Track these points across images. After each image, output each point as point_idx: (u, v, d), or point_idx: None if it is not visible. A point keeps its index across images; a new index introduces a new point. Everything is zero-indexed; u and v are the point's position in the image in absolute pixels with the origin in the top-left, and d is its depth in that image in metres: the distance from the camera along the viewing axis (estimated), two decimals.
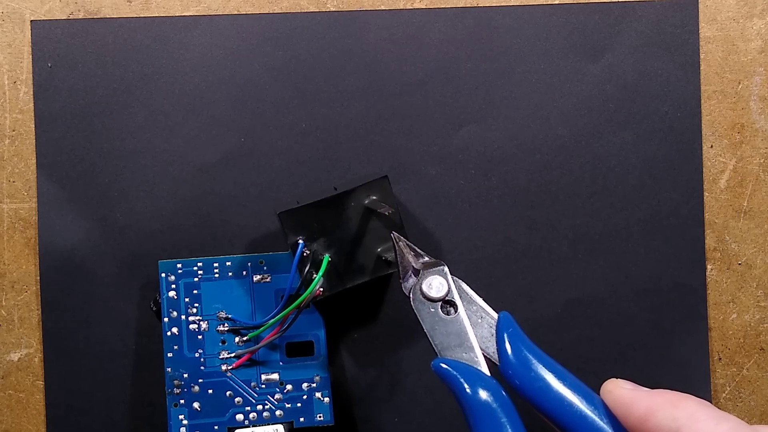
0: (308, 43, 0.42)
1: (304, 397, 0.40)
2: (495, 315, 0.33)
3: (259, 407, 0.39)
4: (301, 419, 0.40)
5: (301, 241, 0.38)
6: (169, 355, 0.39)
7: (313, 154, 0.42)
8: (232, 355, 0.39)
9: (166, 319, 0.39)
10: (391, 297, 0.42)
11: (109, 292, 0.41)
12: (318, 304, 0.39)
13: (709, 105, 0.43)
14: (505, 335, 0.32)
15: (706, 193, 0.43)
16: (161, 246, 0.41)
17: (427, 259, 0.35)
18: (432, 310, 0.34)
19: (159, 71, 0.42)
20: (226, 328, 0.39)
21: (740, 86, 0.43)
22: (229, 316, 0.39)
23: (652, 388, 0.30)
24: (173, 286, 0.39)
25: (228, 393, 0.39)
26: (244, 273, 0.40)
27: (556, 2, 0.42)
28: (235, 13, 0.42)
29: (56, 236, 0.41)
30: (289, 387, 0.40)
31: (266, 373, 0.40)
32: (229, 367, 0.39)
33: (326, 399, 0.40)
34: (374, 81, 0.42)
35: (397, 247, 0.36)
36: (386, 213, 0.37)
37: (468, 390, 0.31)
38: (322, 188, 0.41)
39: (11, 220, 0.41)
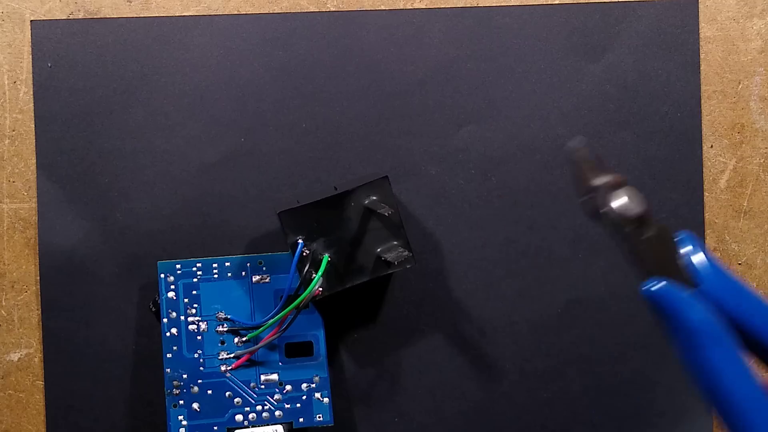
0: (308, 43, 0.42)
1: (304, 397, 0.40)
2: (677, 235, 0.31)
3: (259, 408, 0.39)
4: (301, 419, 0.40)
5: (300, 241, 0.38)
6: (169, 355, 0.39)
7: (313, 154, 0.42)
8: (232, 355, 0.39)
9: (165, 320, 0.39)
10: (391, 297, 0.42)
11: (109, 292, 0.41)
12: (318, 304, 0.39)
13: (709, 105, 0.43)
14: (700, 254, 0.29)
15: (706, 193, 0.43)
16: (161, 246, 0.41)
17: (611, 177, 0.31)
18: (627, 230, 0.30)
19: (159, 71, 0.42)
20: (225, 329, 0.39)
21: (740, 86, 0.42)
22: (228, 316, 0.39)
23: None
24: (172, 286, 0.39)
25: (227, 393, 0.39)
26: (243, 273, 0.40)
27: (556, 2, 0.42)
28: (235, 13, 0.42)
29: (56, 236, 0.41)
30: (288, 387, 0.40)
31: (265, 373, 0.40)
32: (229, 368, 0.39)
33: (326, 399, 0.40)
34: (374, 81, 0.42)
35: (577, 162, 0.32)
36: (386, 213, 0.37)
37: (684, 311, 0.28)
38: (322, 188, 0.41)
39: (11, 220, 0.41)
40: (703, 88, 0.42)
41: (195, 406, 0.39)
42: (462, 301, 0.42)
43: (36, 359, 0.42)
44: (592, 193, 0.31)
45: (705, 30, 0.42)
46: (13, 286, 0.42)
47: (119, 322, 0.41)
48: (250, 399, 0.39)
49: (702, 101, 0.42)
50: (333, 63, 0.42)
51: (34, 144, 0.41)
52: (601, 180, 0.31)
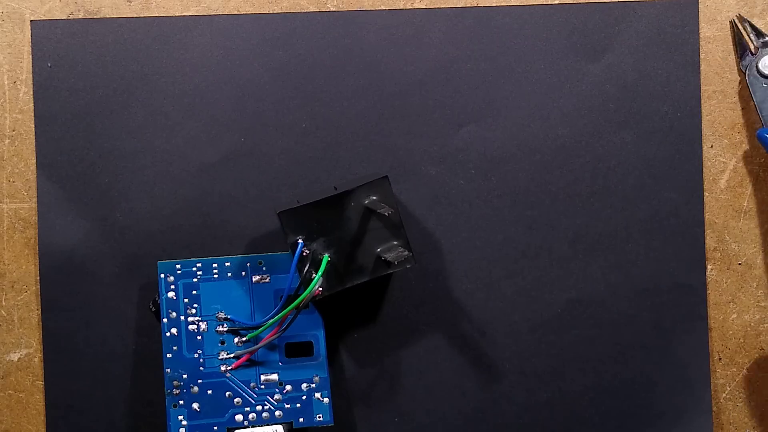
0: (308, 43, 0.42)
1: (304, 397, 0.40)
2: None
3: (259, 408, 0.39)
4: (301, 419, 0.40)
5: (300, 241, 0.38)
6: (169, 355, 0.39)
7: (313, 154, 0.42)
8: (232, 355, 0.39)
9: (165, 320, 0.39)
10: (391, 297, 0.42)
11: (109, 292, 0.41)
12: (318, 304, 0.39)
13: (709, 105, 0.43)
14: None
15: (706, 193, 0.43)
16: (161, 246, 0.41)
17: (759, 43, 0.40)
18: (764, 86, 0.40)
19: (159, 71, 0.42)
20: (225, 329, 0.39)
21: (740, 86, 0.42)
22: (228, 316, 0.39)
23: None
24: (172, 286, 0.39)
25: (227, 393, 0.39)
26: (243, 273, 0.40)
27: (556, 2, 0.42)
28: (235, 13, 0.42)
29: (56, 236, 0.41)
30: (288, 387, 0.40)
31: (265, 373, 0.40)
32: (229, 368, 0.39)
33: (326, 399, 0.40)
34: (374, 81, 0.42)
35: (738, 27, 0.40)
36: (386, 213, 0.37)
37: None
38: (322, 188, 0.41)
39: (11, 220, 0.41)
40: (703, 88, 0.42)
41: (195, 406, 0.39)
42: (462, 301, 0.42)
43: (36, 359, 0.42)
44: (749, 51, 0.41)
45: (705, 30, 0.42)
46: (13, 286, 0.42)
47: (119, 322, 0.41)
48: (250, 399, 0.39)
49: (702, 101, 0.42)
50: (333, 63, 0.42)
51: (34, 144, 0.41)
52: (752, 43, 0.40)
